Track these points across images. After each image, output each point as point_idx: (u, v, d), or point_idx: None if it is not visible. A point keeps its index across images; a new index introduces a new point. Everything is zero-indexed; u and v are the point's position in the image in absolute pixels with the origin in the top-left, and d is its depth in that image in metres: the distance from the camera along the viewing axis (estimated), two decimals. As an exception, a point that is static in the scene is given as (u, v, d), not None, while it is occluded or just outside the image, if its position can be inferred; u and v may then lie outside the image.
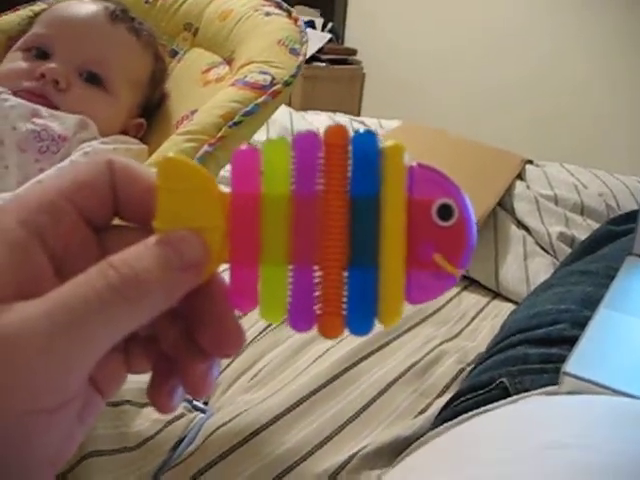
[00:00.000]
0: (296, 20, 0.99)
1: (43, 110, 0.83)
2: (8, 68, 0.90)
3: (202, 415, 1.05)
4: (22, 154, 0.78)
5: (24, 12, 1.09)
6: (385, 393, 1.11)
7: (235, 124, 0.79)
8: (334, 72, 3.16)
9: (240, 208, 0.29)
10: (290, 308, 0.30)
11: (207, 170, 0.72)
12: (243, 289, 0.29)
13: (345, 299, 0.30)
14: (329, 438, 1.01)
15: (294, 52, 0.93)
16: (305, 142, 0.29)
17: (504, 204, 1.61)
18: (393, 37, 3.19)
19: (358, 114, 3.35)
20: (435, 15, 3.04)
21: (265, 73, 0.87)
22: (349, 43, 3.36)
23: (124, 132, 0.94)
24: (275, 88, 0.85)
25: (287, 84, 0.87)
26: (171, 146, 0.77)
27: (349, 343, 1.21)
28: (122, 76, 0.92)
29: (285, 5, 1.03)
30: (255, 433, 0.97)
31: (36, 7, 1.10)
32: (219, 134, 0.77)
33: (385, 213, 0.29)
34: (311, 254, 0.29)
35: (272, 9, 1.02)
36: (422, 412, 1.10)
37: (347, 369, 1.14)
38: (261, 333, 1.24)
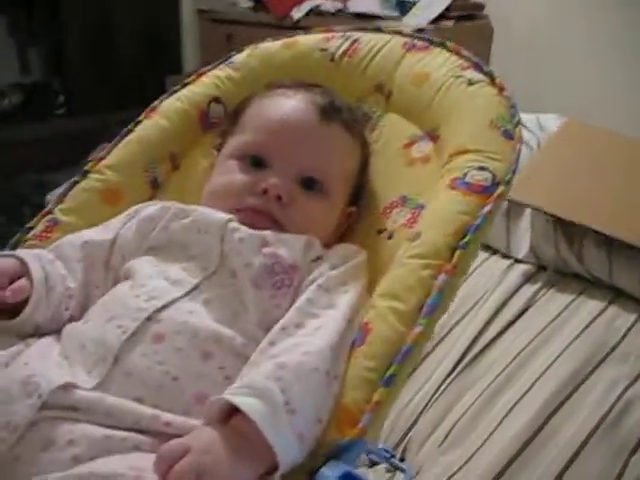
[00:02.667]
0: (502, 89, 0.93)
1: (270, 235, 0.81)
2: (228, 181, 0.88)
3: (403, 476, 1.07)
4: (258, 291, 0.77)
5: (209, 80, 1.07)
6: (578, 456, 1.10)
7: (466, 244, 0.77)
8: (462, 29, 3.01)
9: None
10: None
11: (446, 298, 0.72)
12: None
13: None
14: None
15: (507, 135, 0.88)
16: None
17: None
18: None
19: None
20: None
21: (484, 169, 0.84)
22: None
23: (338, 225, 0.92)
24: (498, 192, 0.81)
25: (508, 183, 0.83)
26: (408, 274, 0.76)
27: (537, 391, 1.20)
28: (338, 176, 0.90)
29: (485, 67, 0.97)
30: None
31: (220, 72, 1.08)
32: (454, 261, 0.75)
33: None
34: None
35: (474, 74, 0.96)
36: (619, 477, 1.08)
37: (540, 428, 1.13)
38: (445, 380, 1.24)
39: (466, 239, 0.77)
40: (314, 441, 0.65)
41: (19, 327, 0.78)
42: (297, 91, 0.93)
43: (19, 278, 0.77)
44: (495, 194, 0.81)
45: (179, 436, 0.62)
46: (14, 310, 0.77)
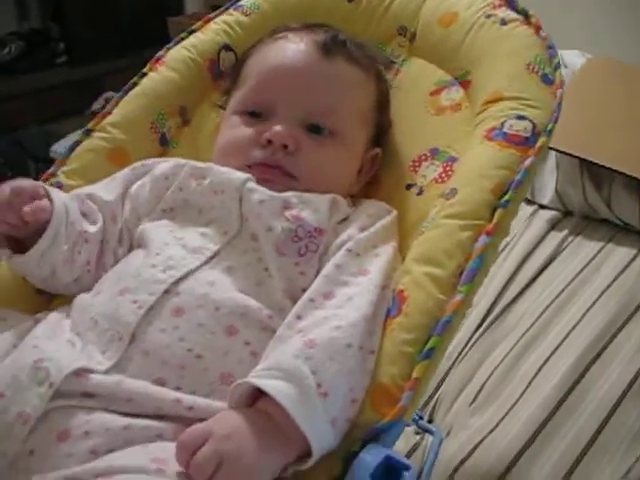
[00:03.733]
0: (538, 28, 0.86)
1: (292, 197, 0.75)
2: (233, 137, 0.82)
3: (432, 438, 1.04)
4: (281, 257, 0.71)
5: (218, 26, 0.99)
6: (616, 411, 1.06)
7: (507, 202, 0.71)
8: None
9: None
10: None
11: (487, 262, 0.66)
12: None
13: None
14: (569, 473, 0.98)
15: (547, 80, 0.81)
16: None
17: None
18: None
19: None
20: None
21: (523, 118, 0.77)
22: None
23: (359, 170, 0.85)
24: (540, 143, 0.74)
25: (550, 133, 0.76)
26: (446, 237, 0.70)
27: (569, 346, 1.15)
28: (351, 115, 0.82)
29: (520, 5, 0.89)
30: (502, 474, 0.95)
31: (228, 17, 1.00)
32: (494, 221, 0.69)
33: None
34: None
35: (506, 12, 0.88)
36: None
37: (574, 385, 1.09)
38: (472, 336, 1.20)
39: (507, 196, 0.71)
40: (348, 423, 0.60)
41: (34, 265, 0.73)
42: (299, 33, 0.85)
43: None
44: (536, 146, 0.74)
45: (203, 420, 0.58)
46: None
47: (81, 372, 0.62)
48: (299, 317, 0.65)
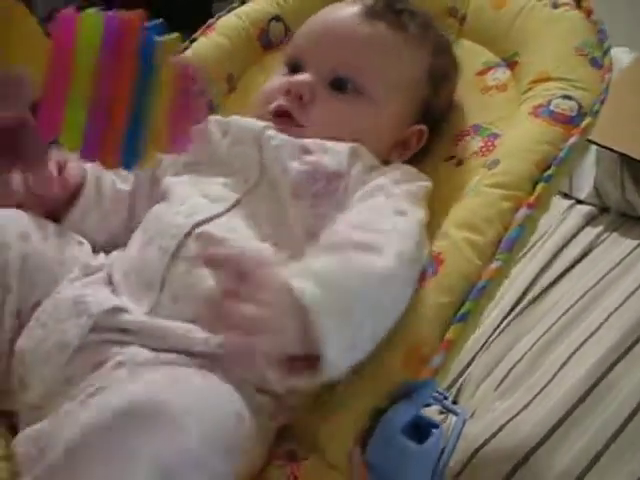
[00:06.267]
0: (589, 12, 0.86)
1: (311, 143, 0.75)
2: (262, 89, 0.84)
3: (455, 418, 1.04)
4: (297, 200, 0.71)
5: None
6: (641, 408, 1.04)
7: (550, 177, 0.71)
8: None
9: (58, 58, 0.41)
10: (83, 142, 0.42)
11: (526, 234, 0.66)
12: (49, 121, 0.42)
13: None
14: (596, 458, 0.97)
15: (595, 64, 0.81)
16: (112, 26, 0.42)
17: None
18: None
19: None
20: None
21: (569, 98, 0.77)
22: None
23: (403, 142, 0.83)
24: (585, 123, 0.75)
25: (596, 114, 0.76)
26: (487, 205, 0.70)
27: (598, 339, 1.15)
28: (382, 79, 0.81)
29: (571, -11, 0.89)
30: (525, 458, 0.95)
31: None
32: (536, 194, 0.70)
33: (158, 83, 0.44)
34: (104, 104, 0.42)
35: (558, -5, 0.88)
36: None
37: (601, 378, 1.08)
38: (501, 323, 1.19)
39: (550, 171, 0.71)
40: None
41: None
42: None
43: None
44: (581, 126, 0.74)
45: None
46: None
47: (117, 310, 0.64)
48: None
